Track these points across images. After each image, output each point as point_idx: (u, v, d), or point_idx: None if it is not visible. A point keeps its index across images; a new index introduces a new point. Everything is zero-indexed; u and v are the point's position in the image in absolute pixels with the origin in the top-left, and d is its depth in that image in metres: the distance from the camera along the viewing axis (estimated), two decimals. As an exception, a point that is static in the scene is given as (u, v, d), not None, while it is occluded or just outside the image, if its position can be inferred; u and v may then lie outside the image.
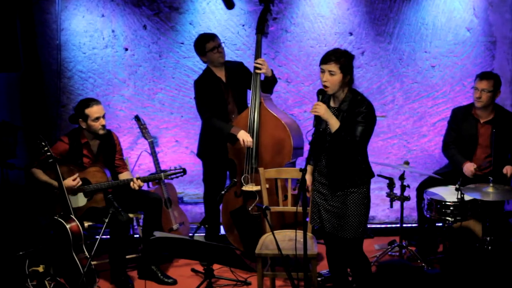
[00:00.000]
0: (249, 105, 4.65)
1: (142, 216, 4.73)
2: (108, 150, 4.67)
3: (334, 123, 3.46)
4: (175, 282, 4.55)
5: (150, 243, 4.35)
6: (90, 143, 4.58)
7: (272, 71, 4.65)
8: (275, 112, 4.68)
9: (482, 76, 4.59)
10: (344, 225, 3.60)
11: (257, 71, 4.58)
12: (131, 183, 4.48)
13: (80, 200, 4.55)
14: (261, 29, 4.68)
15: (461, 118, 4.73)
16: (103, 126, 4.49)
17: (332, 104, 3.63)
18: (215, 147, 4.77)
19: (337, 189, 3.60)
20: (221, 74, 4.75)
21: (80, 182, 4.44)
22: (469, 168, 4.54)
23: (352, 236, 3.60)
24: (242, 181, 4.60)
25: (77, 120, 4.51)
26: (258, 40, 4.68)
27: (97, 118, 4.44)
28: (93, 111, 4.44)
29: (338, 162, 3.56)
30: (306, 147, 4.06)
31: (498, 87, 4.58)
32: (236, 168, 4.74)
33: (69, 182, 4.40)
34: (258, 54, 4.66)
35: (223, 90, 4.73)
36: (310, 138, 3.55)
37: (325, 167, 3.63)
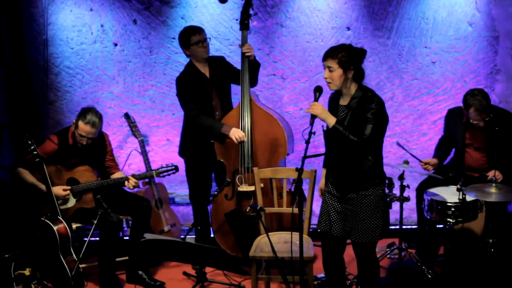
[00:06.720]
0: (239, 103, 4.58)
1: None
2: (98, 151, 4.61)
3: (331, 122, 3.42)
4: (162, 285, 4.49)
5: (138, 247, 4.41)
6: (79, 144, 4.51)
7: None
8: (266, 108, 4.64)
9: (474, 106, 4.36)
10: (358, 229, 3.53)
11: (247, 54, 4.52)
12: (126, 182, 4.42)
13: (69, 201, 4.50)
14: (246, 25, 4.59)
15: (453, 119, 4.69)
16: (86, 142, 4.42)
17: (342, 102, 3.56)
18: (199, 145, 4.69)
19: (347, 191, 3.52)
20: (204, 70, 4.69)
21: (70, 194, 4.42)
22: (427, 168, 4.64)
23: (368, 240, 3.54)
24: (237, 182, 4.51)
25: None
26: (243, 36, 4.60)
27: (83, 136, 4.38)
28: (84, 129, 4.36)
29: (345, 162, 3.50)
30: (302, 146, 3.95)
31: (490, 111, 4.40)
32: (225, 169, 4.65)
33: (58, 191, 4.36)
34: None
35: (207, 86, 4.67)
36: (306, 137, 3.47)
37: (334, 167, 3.57)
